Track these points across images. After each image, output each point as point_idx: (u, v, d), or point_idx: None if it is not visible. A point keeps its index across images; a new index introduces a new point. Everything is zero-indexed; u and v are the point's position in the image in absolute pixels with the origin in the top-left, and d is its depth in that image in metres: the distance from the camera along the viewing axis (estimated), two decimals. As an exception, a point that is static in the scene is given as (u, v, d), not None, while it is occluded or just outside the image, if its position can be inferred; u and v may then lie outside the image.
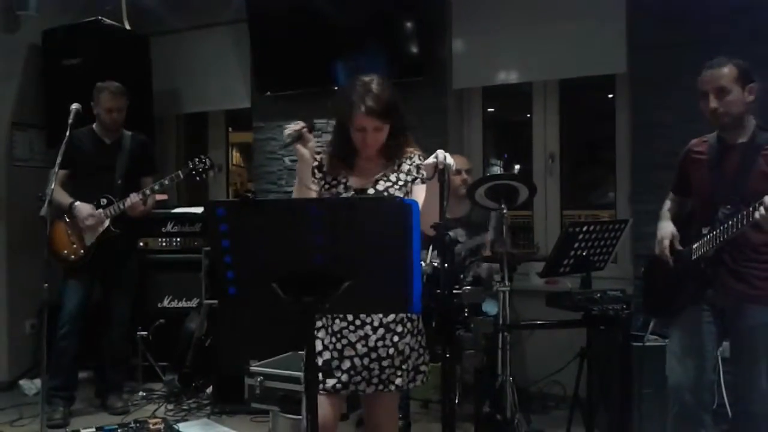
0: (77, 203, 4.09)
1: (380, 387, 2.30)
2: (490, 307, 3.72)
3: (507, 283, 3.28)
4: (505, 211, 3.34)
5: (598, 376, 3.17)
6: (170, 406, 4.34)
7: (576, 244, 3.19)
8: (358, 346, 2.29)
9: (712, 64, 2.59)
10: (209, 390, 4.40)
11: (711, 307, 2.66)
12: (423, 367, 2.39)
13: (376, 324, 2.29)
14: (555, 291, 3.76)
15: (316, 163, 2.37)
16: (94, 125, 4.26)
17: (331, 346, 2.31)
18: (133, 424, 3.73)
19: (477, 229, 3.96)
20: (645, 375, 3.34)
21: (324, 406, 2.25)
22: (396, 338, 2.30)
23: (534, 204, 4.69)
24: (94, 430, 3.71)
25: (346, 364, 2.29)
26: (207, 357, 4.47)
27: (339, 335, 2.31)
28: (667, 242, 2.74)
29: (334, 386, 2.29)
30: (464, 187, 3.83)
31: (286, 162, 2.31)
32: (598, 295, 3.11)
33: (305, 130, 2.23)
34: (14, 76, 5.16)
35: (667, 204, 2.92)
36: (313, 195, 2.33)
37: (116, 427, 3.74)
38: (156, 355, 4.71)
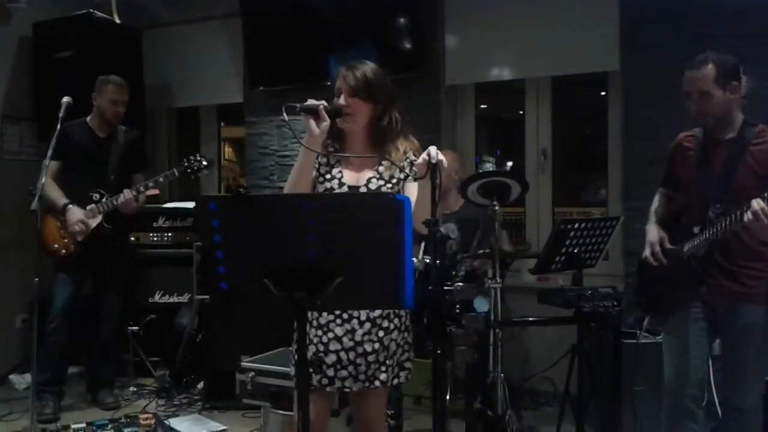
0: (71, 206, 4.05)
1: (366, 384, 2.29)
2: (481, 304, 3.72)
3: (498, 279, 3.28)
4: (497, 207, 3.34)
5: (589, 372, 3.18)
6: (161, 402, 4.33)
7: (567, 241, 3.20)
8: (345, 339, 2.28)
9: (693, 64, 2.56)
10: (200, 385, 4.40)
11: (703, 304, 2.67)
12: (407, 364, 2.38)
13: (362, 318, 2.28)
14: (546, 288, 3.76)
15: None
16: (88, 118, 4.22)
17: (316, 339, 2.30)
18: (123, 420, 3.74)
19: (469, 225, 3.95)
20: (638, 372, 3.35)
21: (313, 403, 2.25)
22: (382, 333, 2.29)
23: (526, 201, 4.70)
24: (85, 425, 3.71)
25: (332, 359, 2.28)
26: (198, 352, 4.47)
27: (325, 328, 2.30)
28: (657, 247, 2.73)
29: (320, 381, 2.29)
30: (453, 183, 3.84)
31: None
32: (589, 292, 3.11)
33: (322, 108, 2.22)
34: (5, 68, 5.14)
35: (656, 202, 2.91)
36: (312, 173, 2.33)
37: (107, 422, 3.74)
38: (147, 351, 4.70)
